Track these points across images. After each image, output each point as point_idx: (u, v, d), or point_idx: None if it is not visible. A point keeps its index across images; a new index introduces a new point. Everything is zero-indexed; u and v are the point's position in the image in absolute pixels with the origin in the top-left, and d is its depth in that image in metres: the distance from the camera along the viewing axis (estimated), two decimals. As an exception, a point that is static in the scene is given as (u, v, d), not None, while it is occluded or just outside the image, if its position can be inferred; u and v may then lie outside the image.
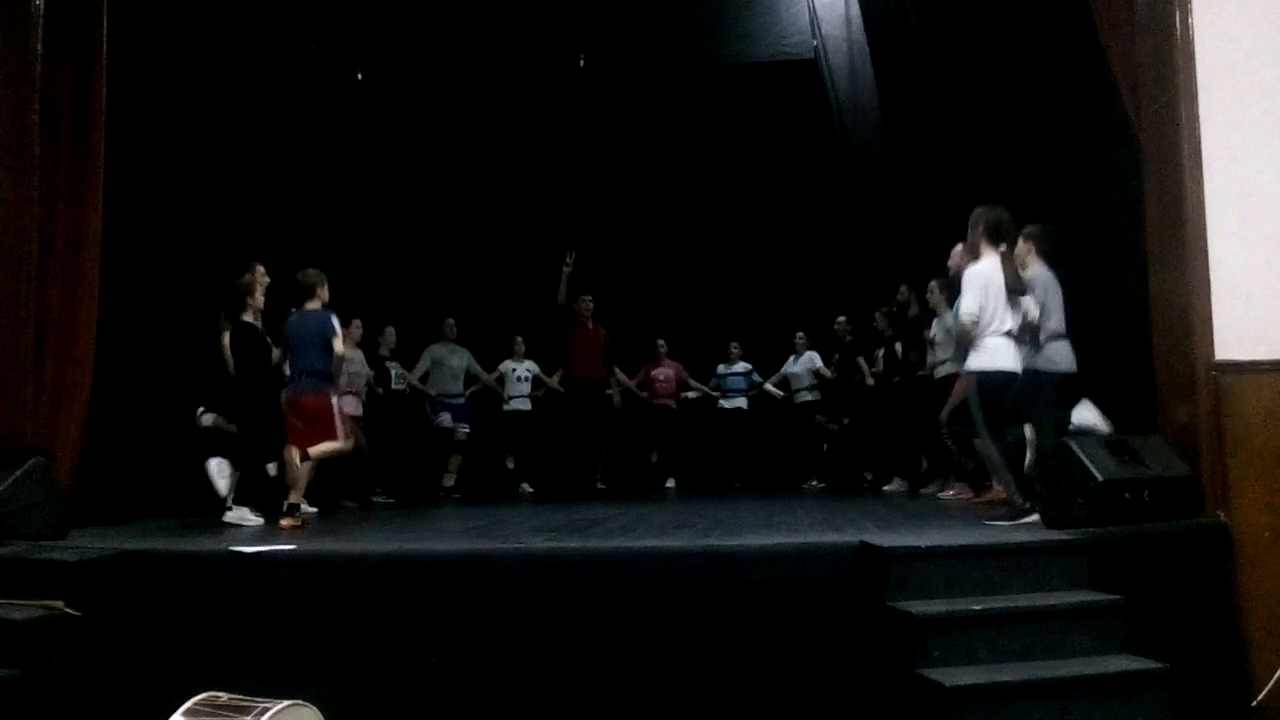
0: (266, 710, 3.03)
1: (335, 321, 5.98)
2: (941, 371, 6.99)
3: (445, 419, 9.01)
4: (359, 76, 9.82)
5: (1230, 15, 4.85)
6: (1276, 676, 4.38)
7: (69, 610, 3.86)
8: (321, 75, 9.05)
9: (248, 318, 6.02)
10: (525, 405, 9.54)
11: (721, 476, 9.90)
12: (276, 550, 4.34)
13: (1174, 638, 4.00)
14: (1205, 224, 4.77)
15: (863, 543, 4.11)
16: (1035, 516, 4.82)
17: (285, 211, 7.81)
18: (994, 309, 4.96)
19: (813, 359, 9.76)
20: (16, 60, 5.07)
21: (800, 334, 9.84)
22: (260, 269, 6.09)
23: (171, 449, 6.33)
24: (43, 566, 4.07)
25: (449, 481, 9.05)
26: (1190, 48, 4.84)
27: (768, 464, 9.94)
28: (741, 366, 10.16)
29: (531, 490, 9.36)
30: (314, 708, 3.17)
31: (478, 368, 9.32)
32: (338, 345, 5.94)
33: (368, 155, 9.68)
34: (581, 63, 10.15)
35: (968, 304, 4.99)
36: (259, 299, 6.06)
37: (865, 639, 3.94)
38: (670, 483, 9.85)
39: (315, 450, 5.74)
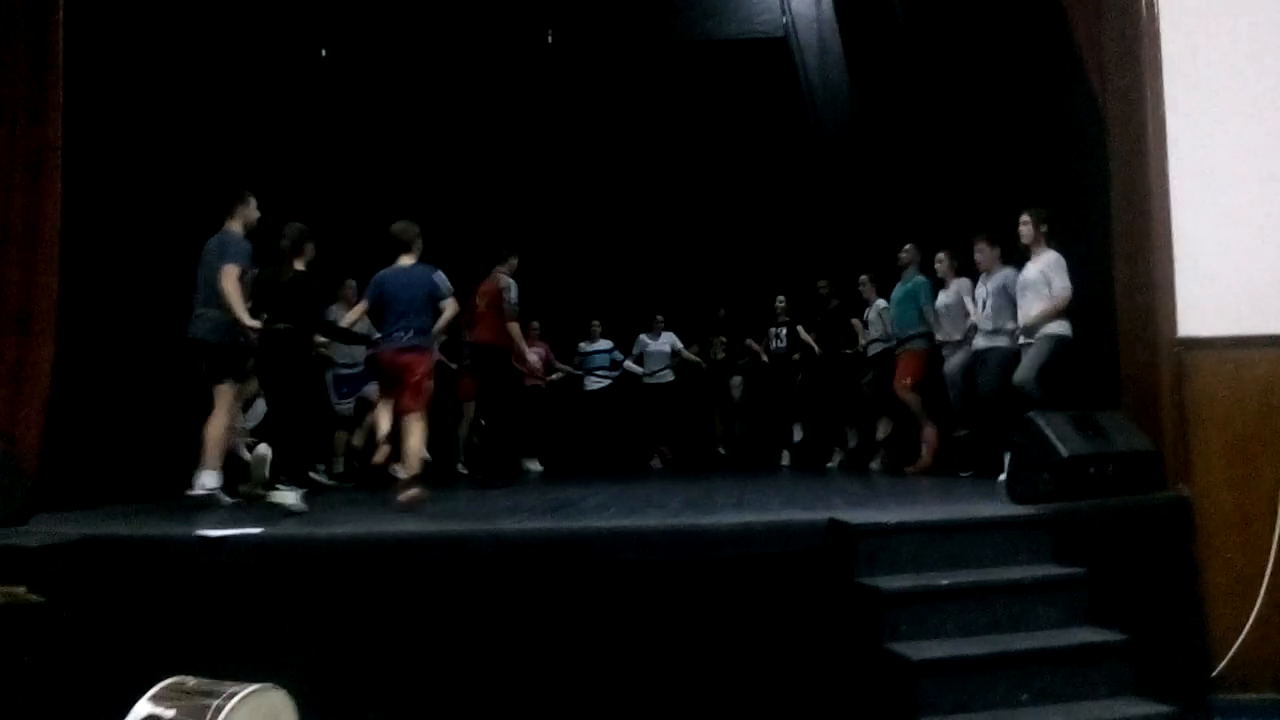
0: (234, 694, 3.01)
1: (444, 278, 5.75)
2: (875, 350, 8.06)
3: (346, 408, 7.92)
4: (323, 53, 9.68)
5: (1194, -5, 4.89)
6: (1236, 647, 4.47)
7: (31, 596, 3.80)
8: (285, 52, 8.89)
9: (300, 265, 5.63)
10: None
11: (587, 457, 9.90)
12: (243, 534, 4.30)
13: (1136, 610, 4.06)
14: (1169, 202, 4.82)
15: (832, 520, 4.14)
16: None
17: (242, 184, 7.67)
18: None
19: (673, 339, 10.06)
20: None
21: (659, 316, 10.08)
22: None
23: (137, 431, 6.25)
24: (4, 552, 3.99)
25: (339, 467, 7.91)
26: (1155, 28, 4.87)
27: (632, 444, 10.07)
28: (603, 344, 10.20)
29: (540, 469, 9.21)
30: (283, 691, 3.15)
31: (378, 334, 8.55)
32: (451, 305, 5.73)
33: (330, 131, 9.53)
34: (550, 38, 10.06)
35: (1066, 283, 5.85)
36: (312, 248, 5.71)
37: (835, 614, 3.98)
38: (535, 465, 9.55)
39: (414, 415, 5.51)
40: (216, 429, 5.55)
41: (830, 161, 9.68)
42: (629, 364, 10.18)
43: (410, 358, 5.58)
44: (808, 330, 9.00)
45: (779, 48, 9.89)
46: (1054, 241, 5.98)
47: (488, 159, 10.46)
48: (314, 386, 5.93)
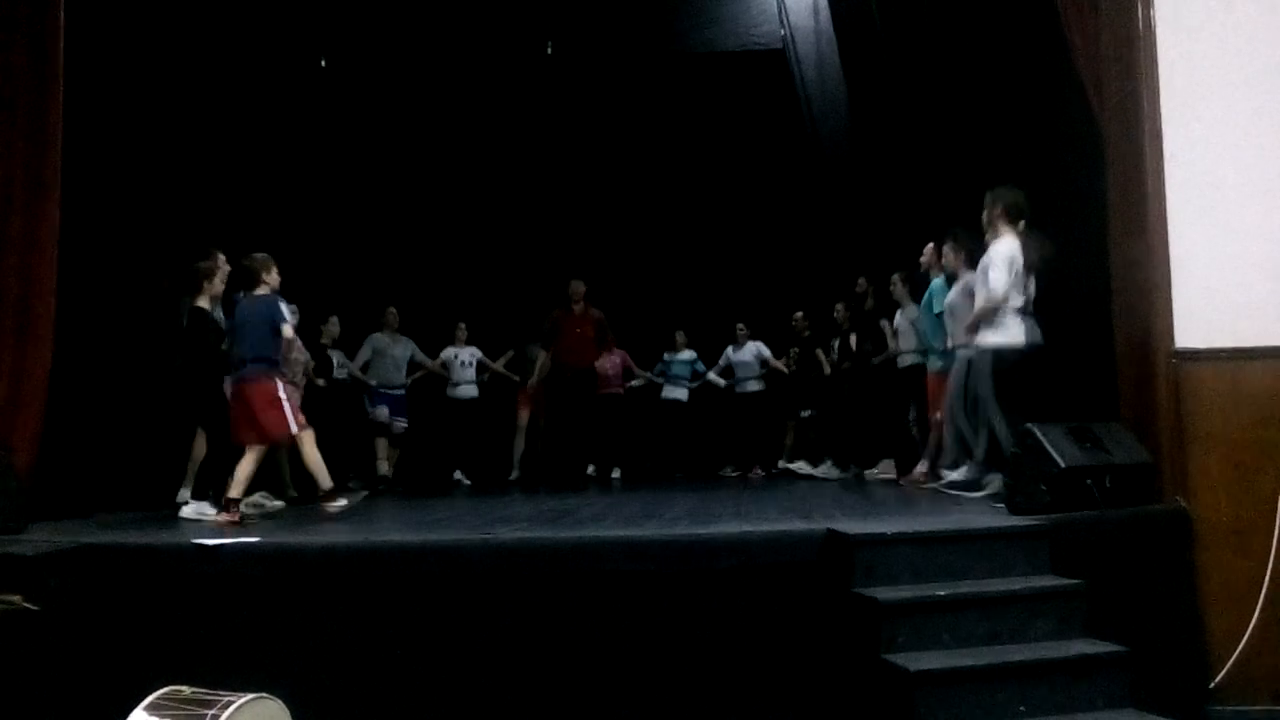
0: (230, 704, 3.00)
1: (284, 307, 5.84)
2: (905, 362, 7.31)
3: (382, 413, 8.86)
4: (322, 64, 9.72)
5: (1191, 9, 4.90)
6: (1234, 659, 4.47)
7: (27, 604, 3.78)
8: (285, 62, 8.93)
9: (203, 303, 5.91)
10: (472, 392, 9.47)
11: (662, 466, 9.91)
12: (239, 543, 4.29)
13: (1134, 621, 4.07)
14: (1166, 214, 4.83)
15: (830, 530, 4.14)
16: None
17: (242, 199, 7.70)
18: (1015, 286, 5.26)
19: (760, 348, 9.93)
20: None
21: (741, 325, 9.98)
22: (221, 256, 6.00)
23: (132, 440, 6.24)
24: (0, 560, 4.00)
25: (383, 469, 8.87)
26: (1152, 40, 4.90)
27: (706, 454, 10.01)
28: (687, 354, 10.20)
29: (469, 482, 9.27)
30: (279, 701, 3.14)
31: (421, 355, 9.26)
32: (287, 330, 5.80)
33: (325, 142, 9.58)
34: (549, 49, 10.11)
35: (998, 281, 5.18)
36: (218, 285, 5.93)
37: (833, 625, 3.97)
38: (615, 472, 9.76)
39: (256, 442, 5.58)
40: (198, 450, 6.08)
41: (828, 170, 9.69)
42: (711, 375, 10.13)
43: (245, 387, 5.68)
44: (859, 339, 8.43)
45: (778, 60, 9.94)
46: (1030, 229, 5.35)
47: (487, 169, 10.49)
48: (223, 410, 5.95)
